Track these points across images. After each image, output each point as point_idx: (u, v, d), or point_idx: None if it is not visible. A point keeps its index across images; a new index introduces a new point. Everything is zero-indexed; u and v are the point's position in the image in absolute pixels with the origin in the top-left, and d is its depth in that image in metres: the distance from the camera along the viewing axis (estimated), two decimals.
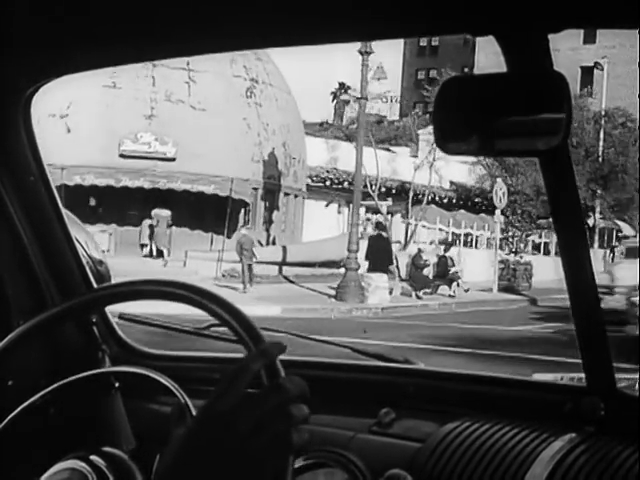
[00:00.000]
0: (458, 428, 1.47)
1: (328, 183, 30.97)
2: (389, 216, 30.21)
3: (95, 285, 1.75)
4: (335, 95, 33.12)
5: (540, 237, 34.99)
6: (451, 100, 1.17)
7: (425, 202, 30.34)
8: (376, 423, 1.55)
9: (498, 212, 24.72)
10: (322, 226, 28.12)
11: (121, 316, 1.75)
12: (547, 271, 29.38)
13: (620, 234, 36.01)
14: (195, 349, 2.01)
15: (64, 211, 1.72)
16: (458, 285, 22.63)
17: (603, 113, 35.13)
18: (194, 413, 1.33)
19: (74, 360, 1.66)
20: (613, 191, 34.10)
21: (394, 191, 31.42)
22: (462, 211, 32.66)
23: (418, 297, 21.28)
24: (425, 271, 22.53)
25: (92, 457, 1.32)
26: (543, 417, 1.47)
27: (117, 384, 1.58)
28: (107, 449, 1.36)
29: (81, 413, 1.52)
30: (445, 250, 24.12)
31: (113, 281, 1.69)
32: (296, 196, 29.12)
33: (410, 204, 30.21)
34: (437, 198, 33.41)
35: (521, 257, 26.01)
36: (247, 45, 1.39)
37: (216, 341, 1.75)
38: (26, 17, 1.28)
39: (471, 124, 1.15)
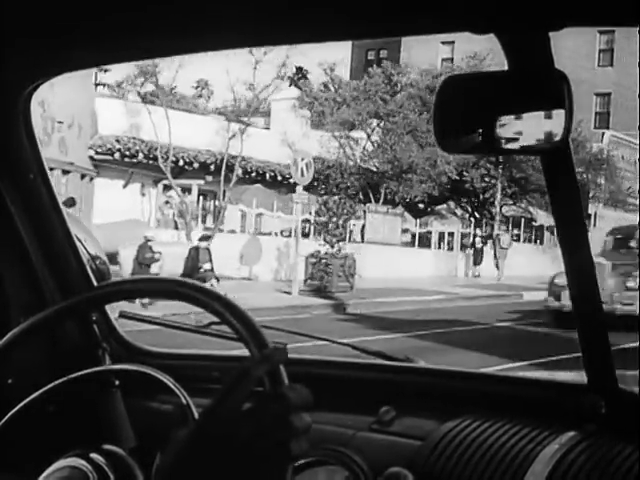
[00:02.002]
0: (459, 426, 1.47)
1: (118, 156, 23.63)
2: (192, 197, 24.38)
3: (95, 283, 1.75)
4: (292, 80, 31.30)
5: (421, 226, 30.10)
6: (452, 98, 1.16)
7: (234, 180, 23.54)
8: (376, 421, 1.55)
9: (300, 189, 19.44)
10: (121, 211, 21.21)
11: (121, 314, 1.75)
12: (416, 267, 25.43)
13: (534, 223, 32.48)
14: (195, 347, 2.01)
15: (64, 209, 1.72)
16: (212, 287, 15.46)
17: None
18: (195, 412, 1.33)
19: (74, 358, 1.66)
20: (510, 171, 28.78)
21: (213, 167, 24.89)
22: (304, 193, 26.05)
23: (143, 305, 14.44)
24: (156, 267, 16.58)
25: (92, 455, 1.32)
26: (544, 415, 1.47)
27: (117, 382, 1.58)
28: (107, 447, 1.36)
29: (81, 411, 1.52)
30: (202, 240, 18.39)
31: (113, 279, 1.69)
32: (66, 172, 21.42)
33: (222, 182, 23.57)
34: (279, 177, 26.58)
35: (339, 249, 20.59)
36: (249, 42, 1.39)
37: (217, 339, 1.75)
38: (24, 15, 1.28)
39: (472, 122, 1.15)
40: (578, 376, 1.53)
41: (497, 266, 27.84)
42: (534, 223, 32.53)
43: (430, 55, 30.65)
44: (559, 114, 1.09)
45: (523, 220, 32.41)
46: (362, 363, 1.79)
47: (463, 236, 30.22)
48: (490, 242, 28.72)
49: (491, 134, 1.12)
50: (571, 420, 1.43)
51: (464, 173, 27.81)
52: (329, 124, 28.14)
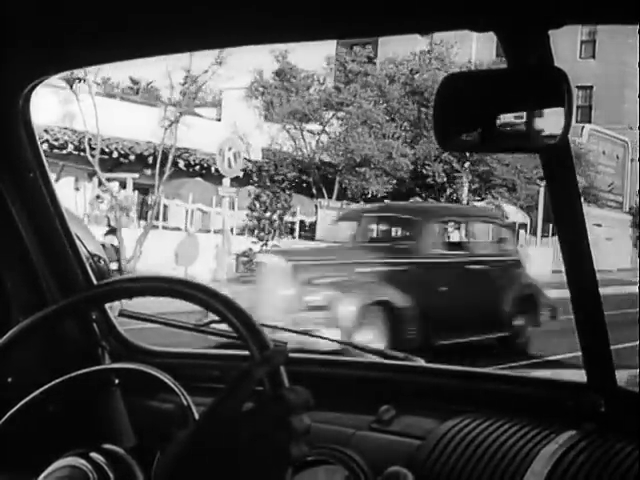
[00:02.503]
0: (458, 425, 1.47)
1: (46, 147, 20.68)
2: (119, 190, 21.73)
3: (95, 282, 1.75)
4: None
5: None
6: (451, 96, 1.16)
7: (168, 173, 20.93)
8: (376, 420, 1.55)
9: (227, 181, 17.54)
10: None
11: (121, 313, 1.75)
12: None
13: (506, 220, 27.94)
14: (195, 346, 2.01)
15: (64, 207, 1.72)
16: None
17: (471, 66, 25.97)
18: (195, 412, 1.33)
19: (74, 357, 1.66)
20: (475, 165, 25.80)
21: (151, 160, 22.06)
22: (251, 188, 22.04)
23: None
24: None
25: (92, 454, 1.32)
26: (544, 414, 1.47)
27: (117, 381, 1.58)
28: (107, 446, 1.35)
29: (81, 410, 1.51)
30: (107, 234, 16.39)
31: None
32: None
33: (157, 176, 20.96)
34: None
35: (273, 246, 18.40)
36: (247, 41, 1.39)
37: (217, 338, 1.75)
38: (23, 14, 1.28)
39: (471, 120, 1.15)
40: (578, 375, 1.53)
41: None
42: (507, 220, 30.69)
43: (408, 48, 28.99)
44: (559, 112, 1.09)
45: None
46: (362, 362, 1.79)
47: None
48: None
49: (491, 132, 1.12)
50: (571, 419, 1.42)
51: (426, 167, 25.66)
52: (279, 114, 25.92)
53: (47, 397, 1.45)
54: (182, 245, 19.66)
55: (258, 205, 19.66)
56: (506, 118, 1.12)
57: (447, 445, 1.43)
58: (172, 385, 1.42)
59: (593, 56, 36.06)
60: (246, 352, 1.04)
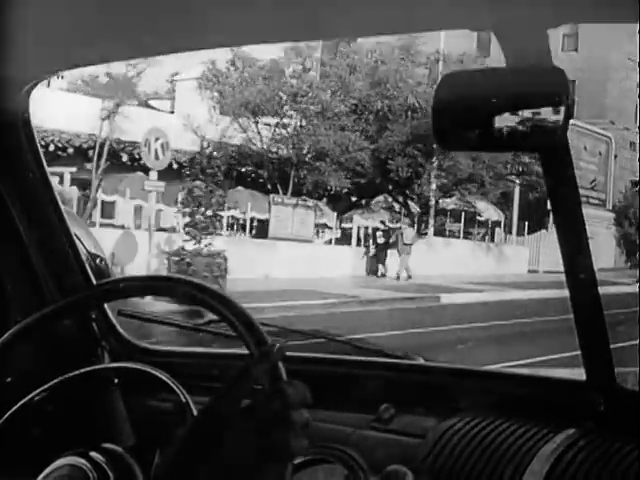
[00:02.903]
0: (458, 424, 1.47)
1: None
2: (64, 186, 19.71)
3: (94, 281, 1.75)
4: None
5: (345, 221, 25.48)
6: (450, 95, 1.16)
7: (102, 167, 20.01)
8: (376, 419, 1.55)
9: (154, 175, 16.55)
10: None
11: (120, 312, 1.75)
12: (332, 267, 21.01)
13: (480, 218, 28.30)
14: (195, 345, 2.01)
15: (64, 208, 1.72)
16: None
17: (440, 57, 24.80)
18: (194, 411, 1.33)
19: (73, 356, 1.66)
20: (440, 157, 24.04)
21: (91, 153, 21.07)
22: (197, 182, 19.29)
23: None
24: None
25: (92, 453, 1.32)
26: (543, 412, 1.47)
27: (116, 380, 1.58)
28: (107, 445, 1.35)
29: (80, 409, 1.52)
30: None
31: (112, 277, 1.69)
32: None
33: (94, 170, 20.12)
34: (175, 165, 21.09)
35: (207, 245, 17.10)
36: (250, 40, 1.39)
37: (216, 337, 1.75)
38: (23, 14, 1.28)
39: (470, 119, 1.15)
40: (577, 373, 1.53)
41: (403, 266, 23.38)
42: (479, 217, 28.51)
43: (387, 39, 27.51)
44: (557, 110, 1.09)
45: (464, 214, 28.08)
46: (361, 361, 1.79)
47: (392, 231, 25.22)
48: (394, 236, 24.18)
49: (490, 131, 1.12)
50: (570, 417, 1.43)
51: (389, 161, 23.86)
52: (230, 105, 24.23)
53: (47, 396, 1.45)
54: (119, 244, 18.41)
55: (191, 200, 17.88)
56: (505, 117, 1.12)
57: (446, 444, 1.43)
58: (171, 384, 1.42)
59: (575, 49, 34.93)
60: (245, 350, 1.04)
